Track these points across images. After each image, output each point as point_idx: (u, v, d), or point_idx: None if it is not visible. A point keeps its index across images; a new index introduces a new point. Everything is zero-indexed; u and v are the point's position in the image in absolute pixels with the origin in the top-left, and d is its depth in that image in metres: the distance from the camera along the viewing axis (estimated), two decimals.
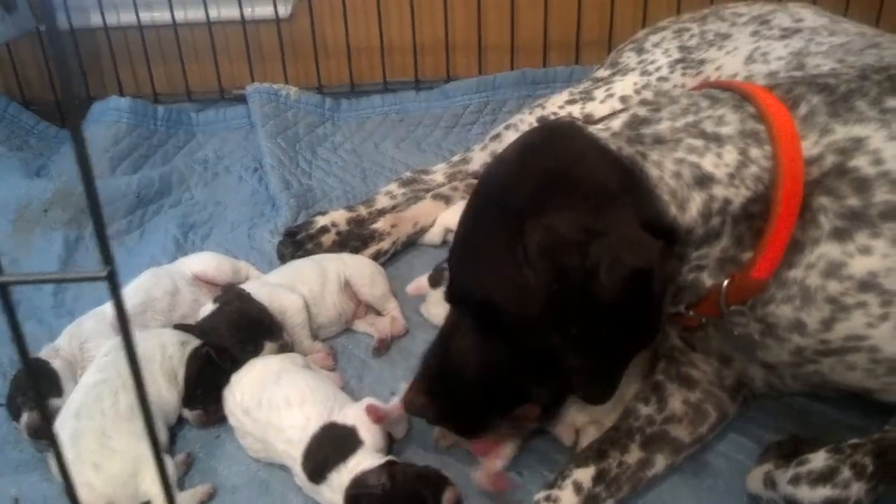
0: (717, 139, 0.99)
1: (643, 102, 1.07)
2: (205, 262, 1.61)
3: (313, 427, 1.20)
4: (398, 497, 1.11)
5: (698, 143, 0.99)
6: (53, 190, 1.90)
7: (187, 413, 1.36)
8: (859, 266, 0.98)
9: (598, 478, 1.13)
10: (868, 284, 0.98)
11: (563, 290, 0.93)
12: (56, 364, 1.38)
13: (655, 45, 1.71)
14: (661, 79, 1.65)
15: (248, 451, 1.29)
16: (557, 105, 1.70)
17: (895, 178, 0.98)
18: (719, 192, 0.97)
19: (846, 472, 0.99)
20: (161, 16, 2.28)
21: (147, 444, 1.25)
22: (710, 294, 1.04)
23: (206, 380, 1.35)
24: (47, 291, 1.71)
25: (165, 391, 1.33)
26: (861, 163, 0.98)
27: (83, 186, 0.54)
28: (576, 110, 1.68)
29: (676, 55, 1.65)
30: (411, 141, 2.20)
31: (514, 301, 0.97)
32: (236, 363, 1.35)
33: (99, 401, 1.26)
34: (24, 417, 1.32)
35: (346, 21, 2.28)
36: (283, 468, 1.25)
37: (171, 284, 1.53)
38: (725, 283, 1.02)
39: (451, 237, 1.68)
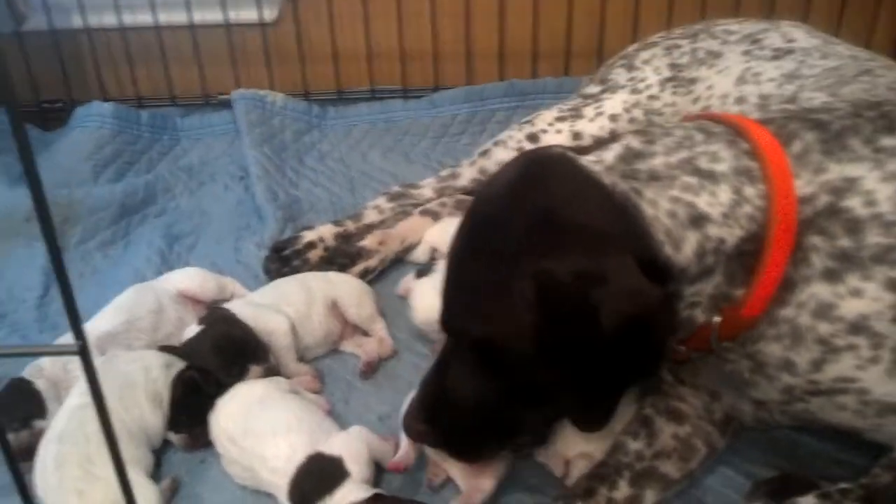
0: (712, 177, 0.98)
1: (636, 133, 1.06)
2: (189, 279, 1.59)
3: (299, 457, 1.19)
4: None
5: (693, 180, 0.98)
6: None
7: (173, 436, 1.34)
8: (850, 308, 0.98)
9: None
10: (859, 327, 0.98)
11: (561, 333, 0.93)
12: (40, 384, 1.35)
13: (646, 61, 1.70)
14: (651, 97, 1.64)
15: (235, 478, 1.28)
16: (547, 122, 1.69)
17: (888, 220, 0.97)
18: (714, 231, 0.97)
19: None
20: (143, 18, 2.24)
21: (134, 470, 1.25)
22: (701, 330, 1.04)
23: (191, 404, 1.33)
24: (31, 305, 1.69)
25: (149, 414, 1.32)
26: (853, 203, 0.98)
27: (46, 246, 0.53)
28: (565, 128, 1.67)
29: (667, 73, 1.64)
30: (399, 150, 2.18)
31: (510, 340, 0.97)
32: (221, 387, 1.34)
33: (82, 426, 1.24)
34: (9, 438, 1.30)
35: (333, 26, 2.25)
36: (270, 496, 1.24)
37: (155, 303, 1.51)
38: (717, 319, 1.02)
39: (437, 255, 1.68)
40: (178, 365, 1.36)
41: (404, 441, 1.22)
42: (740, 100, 1.47)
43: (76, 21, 2.24)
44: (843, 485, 1.01)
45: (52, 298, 1.69)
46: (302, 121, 2.26)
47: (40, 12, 2.18)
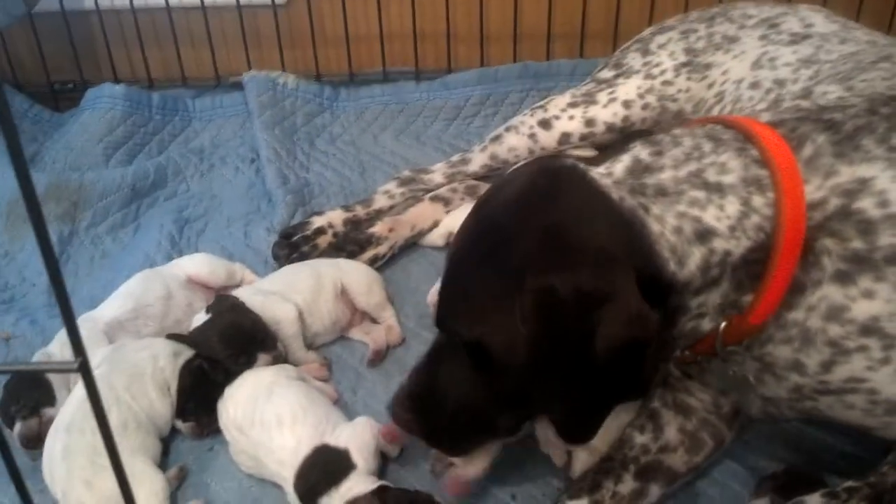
0: (720, 190, 0.97)
1: (646, 143, 1.04)
2: (198, 265, 1.59)
3: (305, 449, 1.19)
4: None
5: (700, 195, 0.97)
6: (46, 183, 1.87)
7: (180, 424, 1.35)
8: (861, 310, 0.96)
9: None
10: (870, 329, 0.96)
11: (556, 349, 0.92)
12: (49, 373, 1.36)
13: (661, 46, 1.67)
14: (665, 83, 1.61)
15: (242, 467, 1.28)
16: (559, 108, 1.66)
17: None
18: (720, 244, 0.96)
19: None
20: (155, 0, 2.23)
21: (141, 458, 1.26)
22: (706, 336, 1.03)
23: (198, 392, 1.34)
24: (41, 290, 1.69)
25: (158, 403, 1.32)
26: (866, 205, 0.95)
27: (43, 261, 0.52)
28: (578, 114, 1.64)
29: (682, 58, 1.61)
30: (411, 133, 2.16)
31: (503, 349, 0.96)
32: (230, 375, 1.34)
33: (90, 416, 1.24)
34: (18, 427, 1.31)
35: (345, 7, 2.22)
36: (276, 486, 1.24)
37: (164, 289, 1.51)
38: (723, 325, 1.01)
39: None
40: (186, 353, 1.37)
41: None
42: (754, 85, 1.45)
43: (88, 2, 2.23)
44: (849, 483, 1.00)
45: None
46: (313, 103, 2.24)
47: None
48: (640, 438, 1.18)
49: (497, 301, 0.94)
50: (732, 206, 0.96)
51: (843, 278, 0.96)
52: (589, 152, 1.68)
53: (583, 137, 1.65)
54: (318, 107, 2.24)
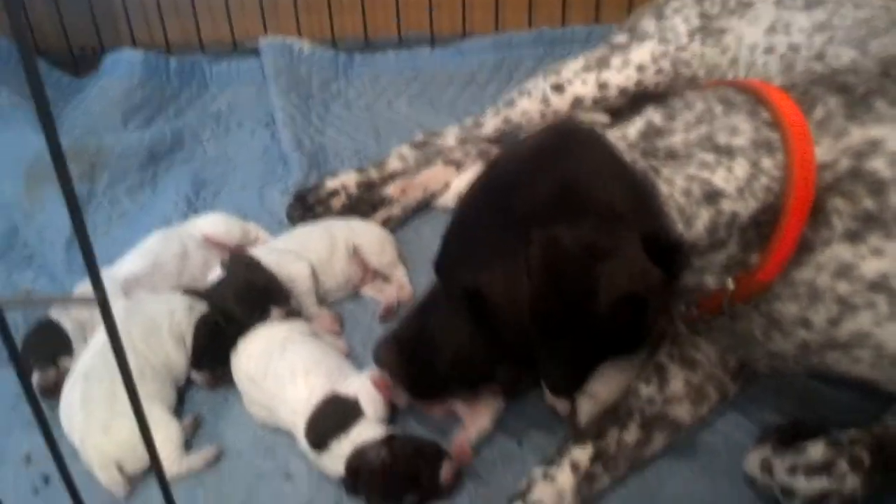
0: (729, 152, 0.98)
1: (658, 107, 1.05)
2: (214, 224, 1.61)
3: (316, 397, 1.22)
4: (397, 471, 1.13)
5: (710, 157, 0.98)
6: (65, 147, 1.84)
7: (195, 375, 1.38)
8: (870, 268, 0.97)
9: (596, 457, 1.15)
10: (878, 285, 0.97)
11: (557, 303, 0.94)
12: (66, 324, 1.39)
13: (676, 10, 1.66)
14: (679, 48, 1.61)
15: (254, 418, 1.31)
16: (572, 72, 1.67)
17: None
18: (727, 206, 0.97)
19: (843, 466, 1.00)
20: None
21: (157, 406, 1.29)
22: (713, 295, 1.04)
23: (213, 345, 1.37)
24: (59, 247, 1.72)
25: (174, 354, 1.35)
26: (878, 165, 0.96)
27: (69, 216, 0.54)
28: (591, 78, 1.65)
29: (696, 23, 1.61)
30: (425, 99, 2.17)
31: (503, 299, 0.98)
32: (243, 329, 1.37)
33: (108, 364, 1.28)
34: (36, 376, 1.34)
35: None
36: (289, 434, 1.27)
37: (181, 247, 1.53)
38: (731, 284, 1.02)
39: None
40: (202, 307, 1.39)
41: None
42: (769, 50, 1.45)
43: None
44: (852, 431, 1.02)
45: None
46: (329, 68, 2.25)
47: None
48: (646, 390, 1.20)
49: (501, 251, 0.96)
50: (741, 168, 0.97)
51: (852, 237, 0.97)
52: (601, 117, 1.69)
53: (595, 101, 1.66)
54: (333, 72, 2.25)
